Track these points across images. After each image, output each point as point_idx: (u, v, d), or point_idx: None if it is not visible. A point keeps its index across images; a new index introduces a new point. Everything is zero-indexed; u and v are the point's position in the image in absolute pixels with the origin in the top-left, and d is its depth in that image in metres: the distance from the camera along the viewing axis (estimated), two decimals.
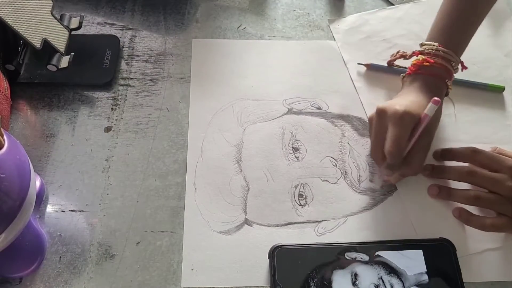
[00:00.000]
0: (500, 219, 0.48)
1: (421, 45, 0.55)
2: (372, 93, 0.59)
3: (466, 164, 0.51)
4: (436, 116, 0.50)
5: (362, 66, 0.61)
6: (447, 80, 0.53)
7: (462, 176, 0.50)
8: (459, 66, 0.54)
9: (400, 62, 0.59)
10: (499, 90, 0.59)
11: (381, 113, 0.50)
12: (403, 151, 0.49)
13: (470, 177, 0.49)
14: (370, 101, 0.58)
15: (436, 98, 0.46)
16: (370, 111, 0.56)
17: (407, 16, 0.67)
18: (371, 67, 0.61)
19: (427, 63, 0.52)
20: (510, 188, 0.47)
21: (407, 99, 0.51)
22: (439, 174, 0.52)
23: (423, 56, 0.53)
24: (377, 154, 0.52)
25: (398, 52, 0.58)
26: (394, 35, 0.64)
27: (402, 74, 0.56)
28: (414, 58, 0.54)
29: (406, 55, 0.57)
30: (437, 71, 0.52)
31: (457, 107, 0.58)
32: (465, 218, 0.49)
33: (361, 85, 0.60)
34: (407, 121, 0.48)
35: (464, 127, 0.57)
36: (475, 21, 0.54)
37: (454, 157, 0.52)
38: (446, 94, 0.54)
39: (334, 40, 0.64)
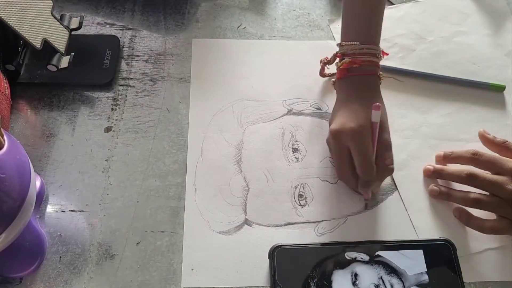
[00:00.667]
0: (500, 222, 0.48)
1: (340, 45, 0.53)
2: None
3: (467, 166, 0.50)
4: (383, 111, 0.50)
5: None
6: (380, 73, 0.52)
7: (462, 179, 0.49)
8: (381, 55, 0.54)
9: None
10: (500, 89, 0.59)
11: (337, 135, 0.49)
12: (373, 163, 0.48)
13: (470, 180, 0.49)
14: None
15: (376, 104, 0.47)
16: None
17: (407, 15, 0.67)
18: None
19: (356, 65, 0.51)
20: (510, 191, 0.46)
21: (351, 110, 0.50)
22: (439, 176, 0.52)
23: (348, 59, 0.52)
24: (346, 176, 0.50)
25: (321, 61, 0.58)
26: (394, 34, 0.64)
27: (332, 80, 0.56)
28: (337, 61, 0.54)
29: (329, 60, 0.56)
30: (367, 68, 0.52)
31: (458, 106, 0.58)
32: (465, 219, 0.49)
33: None
34: (365, 134, 0.48)
35: (465, 126, 0.56)
36: (380, 7, 0.53)
37: (455, 160, 0.52)
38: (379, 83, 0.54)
39: (334, 40, 0.64)
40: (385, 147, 0.49)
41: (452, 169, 0.51)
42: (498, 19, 0.66)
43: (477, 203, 0.48)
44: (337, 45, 0.54)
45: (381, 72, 0.53)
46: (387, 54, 0.55)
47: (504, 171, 0.48)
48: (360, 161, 0.47)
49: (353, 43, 0.52)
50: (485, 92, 0.59)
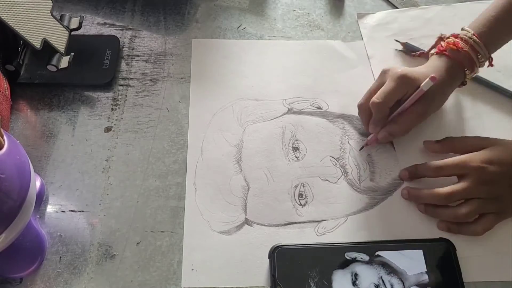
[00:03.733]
0: (487, 219, 0.47)
1: (462, 29, 0.54)
2: None
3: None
4: (436, 92, 0.51)
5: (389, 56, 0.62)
6: (466, 69, 0.52)
7: (440, 200, 0.48)
8: (487, 62, 0.54)
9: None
10: None
11: (384, 71, 0.52)
12: (387, 105, 0.50)
13: (445, 199, 0.48)
14: None
15: (433, 75, 0.48)
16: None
17: (437, 17, 0.66)
18: (406, 46, 0.63)
19: (454, 47, 0.52)
20: (484, 190, 0.47)
21: (417, 69, 0.52)
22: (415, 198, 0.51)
23: (454, 39, 0.53)
24: (365, 106, 0.53)
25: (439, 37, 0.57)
26: (421, 35, 0.64)
27: (431, 52, 0.57)
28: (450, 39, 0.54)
29: (444, 36, 0.56)
30: (460, 57, 0.52)
31: (478, 110, 0.58)
32: (456, 230, 0.49)
33: None
34: (402, 81, 0.50)
35: (482, 132, 0.54)
36: None
37: (420, 176, 0.51)
38: (463, 84, 0.55)
39: (361, 36, 0.64)
40: (413, 112, 0.51)
41: (424, 190, 0.50)
42: None
43: (448, 199, 0.48)
44: (461, 28, 0.55)
45: (468, 77, 0.53)
46: (492, 66, 0.54)
47: (470, 172, 0.47)
48: (379, 93, 0.51)
49: (468, 30, 0.53)
50: (508, 100, 0.58)
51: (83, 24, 0.58)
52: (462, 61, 0.52)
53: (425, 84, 0.48)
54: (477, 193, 0.47)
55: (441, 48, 0.54)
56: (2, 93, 0.50)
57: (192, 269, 0.46)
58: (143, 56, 0.61)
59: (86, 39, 0.61)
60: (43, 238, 0.47)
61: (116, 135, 0.54)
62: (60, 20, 0.56)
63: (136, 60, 0.60)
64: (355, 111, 0.57)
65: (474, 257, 0.48)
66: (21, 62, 0.56)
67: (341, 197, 0.51)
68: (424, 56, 0.60)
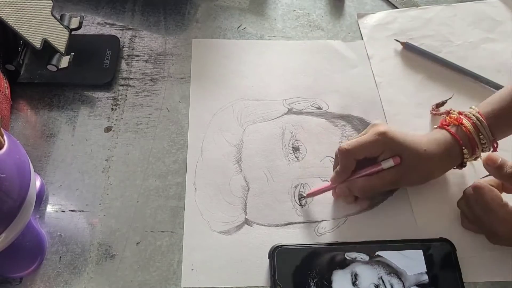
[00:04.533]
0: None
1: (470, 107, 0.50)
2: (392, 88, 0.59)
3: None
4: (422, 165, 0.47)
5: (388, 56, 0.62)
6: (463, 148, 0.47)
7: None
8: (490, 147, 0.49)
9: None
10: None
11: (372, 124, 0.49)
12: (353, 156, 0.47)
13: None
14: (389, 97, 0.59)
15: (398, 158, 0.46)
16: (388, 107, 0.57)
17: (437, 17, 0.66)
18: (406, 46, 0.62)
19: (456, 122, 0.49)
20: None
21: (407, 134, 0.48)
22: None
23: (457, 114, 0.50)
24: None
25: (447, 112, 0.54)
26: (421, 35, 0.64)
27: (434, 126, 0.52)
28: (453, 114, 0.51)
29: (451, 111, 0.52)
30: (458, 132, 0.48)
31: None
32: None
33: (382, 81, 0.60)
34: (380, 138, 0.47)
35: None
36: None
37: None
38: (462, 166, 0.50)
39: (361, 36, 0.64)
40: (382, 179, 0.47)
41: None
42: None
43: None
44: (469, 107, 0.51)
45: (468, 158, 0.48)
46: (496, 151, 0.49)
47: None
48: (351, 142, 0.48)
49: (475, 108, 0.49)
50: None
51: (83, 24, 0.58)
52: (460, 138, 0.48)
53: (384, 162, 0.47)
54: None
55: (444, 123, 0.50)
56: (2, 92, 0.50)
57: (192, 269, 0.46)
58: (143, 56, 0.61)
59: (86, 39, 0.61)
60: (43, 238, 0.47)
61: (116, 135, 0.54)
62: (60, 19, 0.56)
63: (136, 60, 0.61)
64: (355, 112, 0.57)
65: (474, 257, 0.48)
66: (21, 62, 0.56)
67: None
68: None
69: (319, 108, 0.58)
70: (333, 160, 0.53)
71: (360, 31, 0.65)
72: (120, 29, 0.63)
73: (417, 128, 0.56)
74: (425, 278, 0.45)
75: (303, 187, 0.51)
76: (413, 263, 0.46)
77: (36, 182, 0.47)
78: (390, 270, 0.45)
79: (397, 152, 0.47)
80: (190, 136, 0.54)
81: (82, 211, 0.49)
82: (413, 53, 0.63)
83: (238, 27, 0.65)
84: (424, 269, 0.46)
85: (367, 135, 0.48)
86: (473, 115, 0.48)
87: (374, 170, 0.47)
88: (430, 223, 0.50)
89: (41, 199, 0.49)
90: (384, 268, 0.46)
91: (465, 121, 0.48)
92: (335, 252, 0.46)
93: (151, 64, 0.60)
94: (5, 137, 0.39)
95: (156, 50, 0.61)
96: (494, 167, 0.44)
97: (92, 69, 0.58)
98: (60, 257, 0.46)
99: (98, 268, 0.46)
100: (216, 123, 0.56)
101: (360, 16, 0.67)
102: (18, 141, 0.42)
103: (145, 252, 0.47)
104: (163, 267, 0.46)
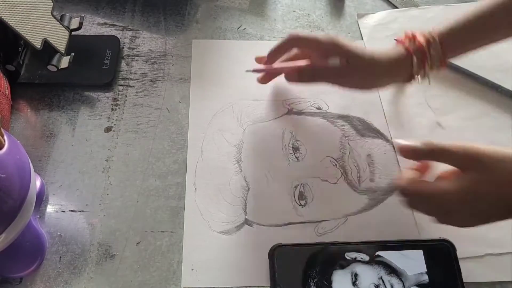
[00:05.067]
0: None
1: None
2: (392, 88, 0.59)
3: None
4: (370, 69, 0.50)
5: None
6: (414, 60, 0.49)
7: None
8: (439, 64, 0.50)
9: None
10: None
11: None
12: (297, 36, 0.51)
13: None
14: (389, 97, 0.59)
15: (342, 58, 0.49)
16: (388, 107, 0.58)
17: (437, 17, 0.66)
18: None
19: (410, 37, 0.50)
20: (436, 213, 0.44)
21: (357, 44, 0.51)
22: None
23: (411, 32, 0.51)
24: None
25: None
26: None
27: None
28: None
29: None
30: (410, 45, 0.50)
31: (479, 111, 0.57)
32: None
33: None
34: (329, 38, 0.50)
35: (483, 133, 0.54)
36: (484, 39, 0.50)
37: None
38: (411, 78, 0.51)
39: (361, 35, 0.65)
40: (329, 70, 0.51)
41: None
42: None
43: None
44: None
45: (416, 70, 0.50)
46: (443, 66, 0.51)
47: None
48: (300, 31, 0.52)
49: (434, 29, 0.50)
50: (509, 100, 0.58)
51: (83, 24, 0.58)
52: (411, 50, 0.49)
53: (331, 59, 0.49)
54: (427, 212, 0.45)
55: (400, 40, 0.52)
56: (3, 93, 0.50)
57: (192, 269, 0.46)
58: (143, 56, 0.61)
59: (87, 39, 0.61)
60: (43, 238, 0.47)
61: (116, 135, 0.54)
62: (61, 20, 0.56)
63: (136, 61, 0.61)
64: (355, 112, 0.57)
65: (475, 257, 0.48)
66: (21, 62, 0.56)
67: (341, 198, 0.51)
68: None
69: (319, 108, 0.58)
70: (333, 160, 0.53)
71: (360, 31, 0.65)
72: (120, 30, 0.63)
73: (418, 127, 0.56)
74: (425, 278, 0.45)
75: (303, 187, 0.51)
76: (413, 263, 0.46)
77: (36, 182, 0.47)
78: (390, 270, 0.45)
79: (344, 55, 0.49)
80: (190, 136, 0.55)
81: (82, 211, 0.49)
82: None
83: (238, 28, 0.65)
84: (424, 269, 0.46)
85: (320, 35, 0.51)
86: (428, 32, 0.50)
87: (321, 63, 0.50)
88: (430, 223, 0.50)
89: (41, 199, 0.49)
90: (384, 268, 0.46)
91: (419, 37, 0.50)
92: (335, 252, 0.46)
93: (151, 64, 0.60)
94: (5, 137, 0.39)
95: (156, 51, 0.62)
96: (410, 151, 0.44)
97: (92, 69, 0.58)
98: (60, 257, 0.46)
99: (98, 268, 0.46)
100: (216, 123, 0.56)
101: (360, 16, 0.67)
102: (18, 141, 0.42)
103: (145, 252, 0.47)
104: (163, 267, 0.46)
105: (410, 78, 0.51)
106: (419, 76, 0.50)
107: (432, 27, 0.51)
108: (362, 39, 0.64)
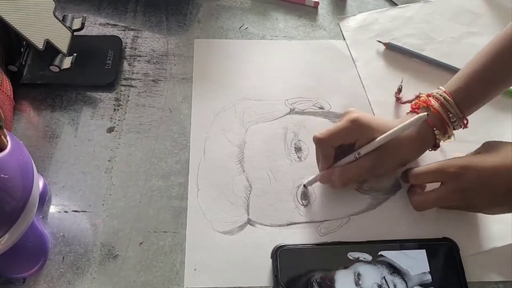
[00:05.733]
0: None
1: (438, 88, 0.51)
2: (379, 90, 0.59)
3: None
4: (395, 149, 0.48)
5: (373, 63, 0.61)
6: (435, 129, 0.48)
7: (413, 207, 0.50)
8: (461, 124, 0.50)
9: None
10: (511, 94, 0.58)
11: (346, 111, 0.50)
12: (328, 143, 0.48)
13: (416, 208, 0.49)
14: (377, 99, 0.58)
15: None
16: (378, 109, 0.57)
17: (417, 15, 0.66)
18: (389, 46, 0.62)
19: (425, 105, 0.49)
20: (459, 198, 0.46)
21: (379, 120, 0.49)
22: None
23: (425, 97, 0.50)
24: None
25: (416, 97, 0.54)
26: (403, 34, 0.64)
27: (406, 112, 0.53)
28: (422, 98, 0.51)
29: (420, 95, 0.53)
30: (431, 116, 0.48)
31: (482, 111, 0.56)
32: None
33: (369, 83, 0.60)
34: (353, 125, 0.48)
35: (473, 127, 0.53)
36: (497, 87, 0.50)
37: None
38: (436, 147, 0.50)
39: (343, 37, 0.64)
40: (357, 167, 0.48)
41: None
42: (510, 20, 0.65)
43: (420, 205, 0.49)
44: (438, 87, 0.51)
45: (440, 138, 0.49)
46: (467, 127, 0.50)
47: (446, 176, 0.46)
48: (325, 130, 0.48)
49: (441, 88, 0.50)
50: (508, 99, 0.58)
51: (85, 25, 0.58)
52: (431, 120, 0.48)
53: (360, 149, 0.47)
54: (451, 201, 0.47)
55: (414, 106, 0.50)
56: (5, 93, 0.51)
57: (195, 269, 0.46)
58: (145, 56, 0.61)
59: (89, 40, 0.61)
60: (46, 239, 0.47)
61: (119, 135, 0.54)
62: (63, 20, 0.56)
63: (138, 61, 0.61)
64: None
65: (478, 257, 0.47)
66: (23, 63, 0.56)
67: (343, 197, 0.51)
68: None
69: (321, 108, 0.58)
70: None
71: (342, 34, 0.64)
72: (122, 30, 0.63)
73: None
74: (428, 277, 0.45)
75: (306, 187, 0.51)
76: (416, 263, 0.46)
77: (39, 183, 0.47)
78: (393, 270, 0.45)
79: (371, 138, 0.47)
80: (192, 137, 0.55)
81: (85, 211, 0.49)
82: (396, 53, 0.62)
83: (240, 27, 0.65)
84: (427, 268, 0.46)
85: (340, 123, 0.49)
86: (440, 95, 0.49)
87: (351, 159, 0.48)
88: (433, 222, 0.50)
89: (44, 199, 0.49)
90: (387, 268, 0.45)
91: (433, 102, 0.49)
92: (338, 252, 0.46)
93: (153, 64, 0.60)
94: (8, 138, 0.39)
95: (158, 51, 0.62)
96: (411, 176, 0.49)
97: (94, 69, 0.58)
98: (63, 257, 0.47)
99: (101, 268, 0.46)
100: (218, 123, 0.56)
101: (341, 19, 0.66)
102: (21, 142, 0.42)
103: (148, 252, 0.47)
104: (166, 267, 0.46)
105: (435, 147, 0.50)
106: (444, 140, 0.51)
107: (439, 87, 0.51)
108: (345, 41, 0.64)
